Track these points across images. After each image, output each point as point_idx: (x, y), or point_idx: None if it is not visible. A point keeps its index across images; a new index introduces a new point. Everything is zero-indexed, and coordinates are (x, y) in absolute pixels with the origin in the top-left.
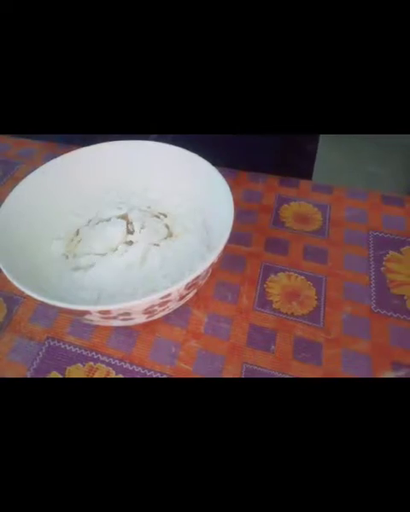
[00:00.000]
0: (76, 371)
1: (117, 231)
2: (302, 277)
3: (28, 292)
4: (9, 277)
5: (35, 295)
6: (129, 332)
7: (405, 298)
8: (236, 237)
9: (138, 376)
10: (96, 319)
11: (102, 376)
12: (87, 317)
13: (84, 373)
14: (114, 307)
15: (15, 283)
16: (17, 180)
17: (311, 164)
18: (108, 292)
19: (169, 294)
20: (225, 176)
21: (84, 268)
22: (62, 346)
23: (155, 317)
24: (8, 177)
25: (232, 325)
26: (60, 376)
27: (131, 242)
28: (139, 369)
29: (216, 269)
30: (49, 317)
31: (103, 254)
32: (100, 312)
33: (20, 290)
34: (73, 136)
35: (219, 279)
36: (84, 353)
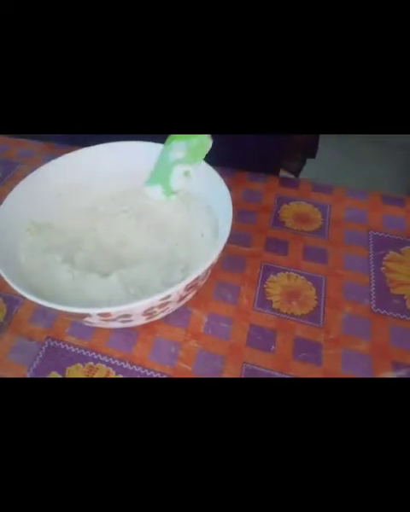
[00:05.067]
0: (76, 371)
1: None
2: (302, 277)
3: (27, 295)
4: (7, 280)
5: (33, 298)
6: (129, 332)
7: (405, 298)
8: (236, 237)
9: (138, 376)
10: (95, 321)
11: (102, 376)
12: (87, 319)
13: (84, 373)
14: (113, 310)
15: (13, 286)
16: (17, 180)
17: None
18: (108, 294)
19: (169, 296)
20: (224, 176)
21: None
22: (62, 347)
23: (155, 318)
24: (9, 177)
25: (232, 325)
26: (60, 376)
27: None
28: (139, 369)
29: (216, 269)
30: (49, 317)
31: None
32: (100, 315)
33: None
34: (76, 137)
35: (219, 279)
36: (84, 353)
